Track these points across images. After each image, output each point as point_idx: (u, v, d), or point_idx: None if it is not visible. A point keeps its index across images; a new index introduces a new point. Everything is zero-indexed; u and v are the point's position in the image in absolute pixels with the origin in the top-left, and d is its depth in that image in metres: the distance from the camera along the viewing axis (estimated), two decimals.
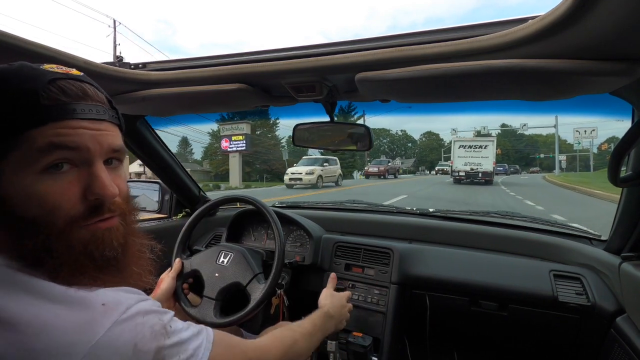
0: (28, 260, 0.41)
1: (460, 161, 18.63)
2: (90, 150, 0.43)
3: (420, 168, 61.37)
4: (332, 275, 1.09)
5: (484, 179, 17.69)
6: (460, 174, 18.21)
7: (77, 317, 0.38)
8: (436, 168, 37.86)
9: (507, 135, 65.35)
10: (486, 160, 18.29)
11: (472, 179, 17.91)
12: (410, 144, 76.76)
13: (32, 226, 0.41)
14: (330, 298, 0.96)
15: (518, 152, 72.70)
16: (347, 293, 1.05)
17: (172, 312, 0.47)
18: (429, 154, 69.31)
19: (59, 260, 0.41)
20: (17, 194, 0.40)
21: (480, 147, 18.80)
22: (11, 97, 0.40)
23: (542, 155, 58.17)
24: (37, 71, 0.43)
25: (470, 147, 18.93)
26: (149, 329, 0.41)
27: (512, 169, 44.96)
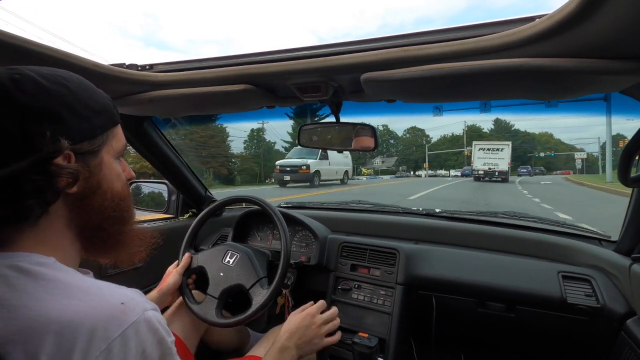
0: (104, 225, 0.51)
1: (480, 162, 22.74)
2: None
3: (400, 168, 56.95)
4: (310, 303, 1.01)
5: (500, 177, 21.44)
6: (480, 172, 22.33)
7: (98, 313, 0.41)
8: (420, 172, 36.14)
9: (500, 131, 62.09)
10: (502, 161, 22.22)
11: (490, 177, 21.79)
12: (392, 141, 68.63)
13: (119, 197, 0.53)
14: (286, 325, 0.91)
15: (514, 150, 68.59)
16: (311, 309, 0.98)
17: (173, 338, 0.50)
18: (414, 152, 63.94)
19: (122, 227, 0.54)
20: (112, 173, 0.52)
21: (497, 149, 22.96)
22: (105, 98, 0.52)
23: (542, 154, 55.27)
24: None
25: (488, 149, 23.12)
26: (159, 338, 0.45)
27: (537, 170, 45.83)
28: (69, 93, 0.46)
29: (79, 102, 0.47)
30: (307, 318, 0.93)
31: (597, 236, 1.23)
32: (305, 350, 0.89)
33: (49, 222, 0.46)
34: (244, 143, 40.13)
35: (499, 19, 0.65)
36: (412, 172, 53.24)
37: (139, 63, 0.94)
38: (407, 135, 67.93)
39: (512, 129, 62.44)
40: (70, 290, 0.43)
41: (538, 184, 18.78)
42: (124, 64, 0.92)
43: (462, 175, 33.55)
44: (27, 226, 0.45)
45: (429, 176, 34.32)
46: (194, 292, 1.07)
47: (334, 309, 1.03)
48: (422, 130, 68.07)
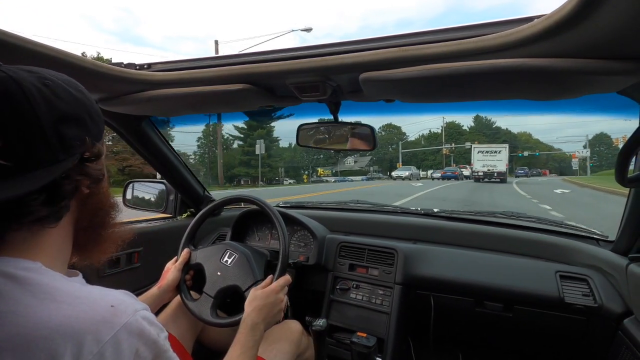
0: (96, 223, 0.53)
1: (479, 164, 24.18)
2: None
3: (372, 169, 52.01)
4: (269, 277, 0.99)
5: (499, 178, 22.75)
6: (479, 174, 23.71)
7: (88, 316, 0.41)
8: (394, 174, 32.98)
9: (481, 128, 58.87)
10: (500, 162, 23.65)
11: (489, 178, 23.10)
12: None
13: (109, 195, 0.54)
14: (251, 303, 0.90)
15: None
16: (275, 286, 0.94)
17: (167, 333, 0.51)
18: (389, 151, 57.87)
19: (108, 221, 0.55)
20: (105, 172, 0.54)
21: (495, 152, 24.54)
22: (96, 109, 0.53)
23: (526, 154, 51.60)
24: None
25: (487, 152, 24.69)
26: (151, 338, 0.46)
27: (534, 172, 46.25)
28: (87, 100, 0.49)
29: (93, 108, 0.50)
30: (272, 295, 0.92)
31: (594, 236, 1.24)
32: (270, 324, 0.91)
33: (62, 223, 0.48)
34: (197, 140, 37.19)
35: (499, 19, 0.65)
36: (387, 174, 46.85)
37: (137, 62, 0.94)
38: (383, 133, 61.03)
39: (494, 126, 59.68)
40: (59, 294, 0.42)
41: (537, 185, 18.87)
42: (122, 63, 0.92)
43: (443, 178, 29.70)
44: (48, 228, 0.46)
45: (403, 178, 29.27)
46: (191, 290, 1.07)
47: (287, 278, 0.99)
48: (399, 128, 62.34)
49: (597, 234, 1.24)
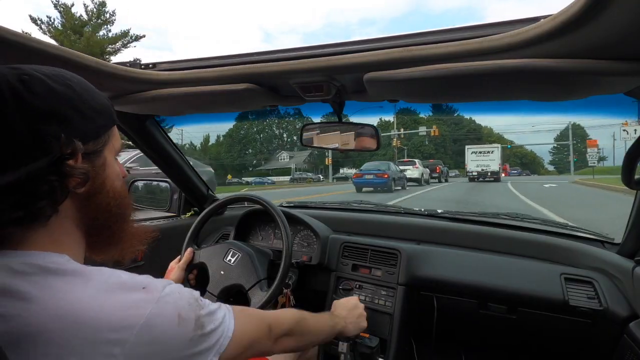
0: (101, 225, 0.52)
1: (473, 164, 24.35)
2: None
3: (294, 166, 41.81)
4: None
5: (493, 177, 23.13)
6: (473, 174, 23.89)
7: (126, 298, 0.44)
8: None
9: (441, 115, 49.26)
10: (493, 162, 24.02)
11: (483, 177, 23.41)
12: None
13: (120, 195, 0.54)
14: (345, 302, 1.00)
15: (458, 142, 52.60)
16: (357, 297, 1.06)
17: (198, 292, 0.54)
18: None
19: (123, 223, 0.55)
20: (113, 172, 0.53)
21: (488, 152, 24.69)
22: (104, 98, 0.52)
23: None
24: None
25: (480, 152, 24.82)
26: (186, 301, 0.49)
27: (525, 173, 46.08)
28: (74, 94, 0.47)
29: (84, 103, 0.48)
30: (357, 302, 1.01)
31: (600, 238, 1.23)
32: (349, 329, 0.94)
33: (59, 221, 0.47)
34: None
35: (504, 19, 0.65)
36: (322, 172, 39.42)
37: (141, 62, 0.95)
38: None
39: (456, 114, 49.16)
40: (92, 281, 0.44)
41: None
42: (127, 62, 0.92)
43: (360, 183, 17.17)
44: (38, 226, 0.45)
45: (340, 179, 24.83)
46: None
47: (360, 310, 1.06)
48: (346, 115, 55.86)
49: (603, 236, 1.23)
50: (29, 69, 0.45)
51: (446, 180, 24.66)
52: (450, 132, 54.67)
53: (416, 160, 20.72)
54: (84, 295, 0.42)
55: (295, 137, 46.90)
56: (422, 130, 32.62)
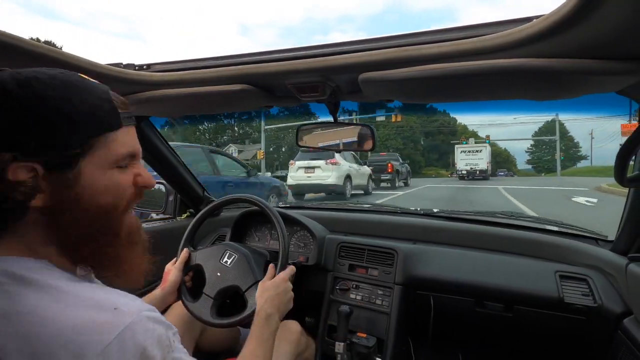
0: (85, 245, 0.47)
1: (462, 163, 25.32)
2: (140, 152, 0.54)
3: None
4: (270, 266, 0.99)
5: (481, 175, 24.21)
6: (463, 172, 24.96)
7: (92, 319, 0.41)
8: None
9: (408, 108, 39.40)
10: (481, 160, 24.96)
11: (472, 176, 24.40)
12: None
13: (104, 211, 0.48)
14: (263, 294, 0.89)
15: (430, 136, 50.25)
16: (283, 275, 0.96)
17: (176, 329, 0.50)
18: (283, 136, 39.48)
19: (112, 240, 0.50)
20: (97, 185, 0.47)
21: (477, 151, 25.61)
22: (93, 103, 0.46)
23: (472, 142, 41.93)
24: (92, 80, 0.49)
25: (469, 151, 25.73)
26: (157, 337, 0.44)
27: (511, 173, 46.80)
28: (37, 100, 0.42)
29: (49, 110, 0.42)
30: (282, 284, 0.93)
31: (593, 236, 1.24)
32: (283, 313, 0.90)
33: (29, 230, 0.45)
34: None
35: (498, 19, 0.65)
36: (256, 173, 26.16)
37: (136, 63, 0.94)
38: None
39: (427, 106, 46.30)
40: (63, 296, 0.42)
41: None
42: (121, 63, 0.92)
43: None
44: (5, 232, 0.44)
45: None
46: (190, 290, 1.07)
47: (292, 267, 1.01)
48: (307, 108, 47.83)
49: (596, 234, 1.24)
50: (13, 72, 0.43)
51: (406, 184, 16.60)
52: (421, 124, 48.89)
53: (334, 153, 8.87)
54: (54, 310, 0.40)
55: (248, 129, 42.50)
56: (381, 114, 19.19)
